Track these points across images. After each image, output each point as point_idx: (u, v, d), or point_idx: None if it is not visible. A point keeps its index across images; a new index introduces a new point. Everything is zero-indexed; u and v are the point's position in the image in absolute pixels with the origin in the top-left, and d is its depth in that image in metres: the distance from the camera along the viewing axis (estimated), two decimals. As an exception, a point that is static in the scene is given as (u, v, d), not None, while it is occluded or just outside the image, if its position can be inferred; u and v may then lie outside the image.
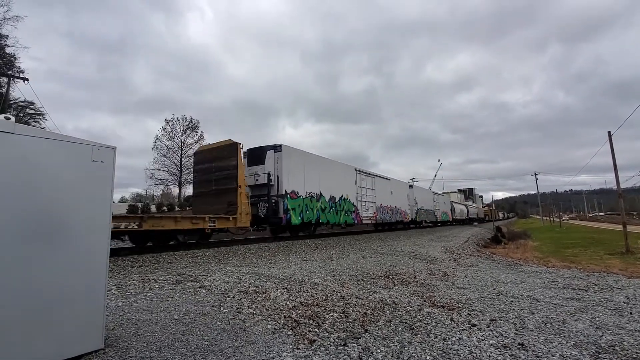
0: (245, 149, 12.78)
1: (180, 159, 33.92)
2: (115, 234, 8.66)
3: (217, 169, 11.61)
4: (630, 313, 5.04)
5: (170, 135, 34.05)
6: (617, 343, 3.78)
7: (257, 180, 12.77)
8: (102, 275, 2.93)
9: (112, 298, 4.32)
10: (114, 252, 7.97)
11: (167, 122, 34.27)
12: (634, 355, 3.45)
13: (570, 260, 12.74)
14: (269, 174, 12.67)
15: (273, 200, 12.52)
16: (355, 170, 18.39)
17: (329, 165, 16.01)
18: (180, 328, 3.49)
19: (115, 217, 7.78)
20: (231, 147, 11.43)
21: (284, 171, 12.74)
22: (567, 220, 74.14)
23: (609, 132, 16.10)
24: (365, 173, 19.59)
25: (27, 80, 22.01)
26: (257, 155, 13.20)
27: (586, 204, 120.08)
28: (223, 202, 11.16)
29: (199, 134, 35.43)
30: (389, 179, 23.06)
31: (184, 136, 34.72)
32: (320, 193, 14.84)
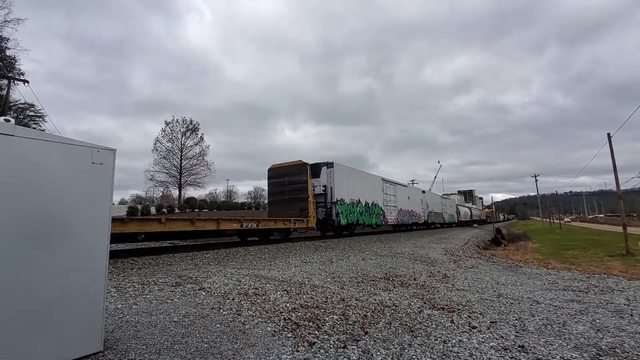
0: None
1: (180, 160, 33.91)
2: (239, 232, 11.94)
3: (290, 183, 15.19)
4: (631, 315, 5.03)
5: (170, 137, 34.10)
6: (617, 345, 3.77)
7: (314, 190, 15.58)
8: (101, 276, 2.93)
9: (112, 300, 4.31)
10: (113, 254, 7.96)
11: (167, 124, 34.32)
12: (635, 358, 3.44)
13: (570, 262, 12.72)
14: (324, 186, 15.91)
15: (328, 206, 15.68)
16: (382, 179, 21.97)
17: (364, 176, 19.56)
18: (180, 330, 3.48)
19: (244, 220, 11.29)
20: (302, 166, 15.20)
21: (335, 183, 15.98)
22: (570, 222, 73.68)
23: (609, 134, 16.12)
24: (389, 182, 23.06)
25: (28, 82, 22.06)
26: (315, 171, 16.02)
27: (586, 206, 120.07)
28: (295, 208, 14.54)
29: (199, 136, 35.46)
30: (406, 186, 27.07)
31: (183, 138, 34.74)
32: (359, 200, 18.07)
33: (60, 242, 2.70)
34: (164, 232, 8.73)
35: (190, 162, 34.32)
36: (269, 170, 16.56)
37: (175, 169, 33.54)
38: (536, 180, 61.24)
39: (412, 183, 52.92)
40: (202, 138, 35.45)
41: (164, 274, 6.10)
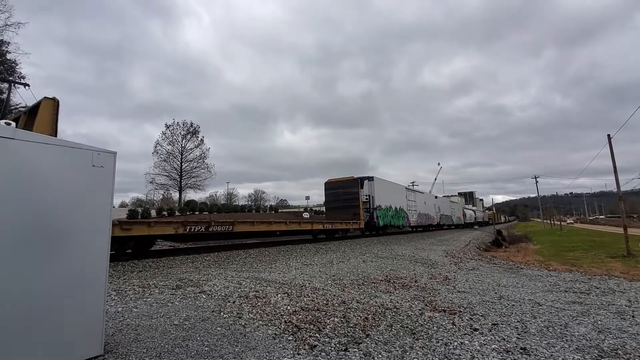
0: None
1: (181, 163, 33.90)
2: (321, 232, 16.73)
3: (344, 194, 19.66)
4: (633, 316, 5.01)
5: (171, 140, 34.04)
6: (619, 347, 3.75)
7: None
8: (101, 280, 2.92)
9: (112, 303, 4.30)
10: (114, 258, 7.96)
11: (167, 127, 34.28)
12: (637, 359, 3.43)
13: (571, 263, 12.69)
14: (367, 195, 20.35)
15: (371, 211, 20.16)
16: (405, 188, 26.74)
17: (393, 186, 24.14)
18: (180, 334, 3.47)
19: (325, 222, 16.02)
20: (354, 181, 19.92)
21: (375, 193, 20.52)
22: (572, 224, 71.58)
23: (609, 135, 16.12)
24: (410, 190, 28.13)
25: (28, 85, 22.11)
26: (360, 183, 20.29)
27: (586, 207, 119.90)
28: (349, 214, 18.83)
29: (199, 139, 35.42)
30: (423, 193, 32.17)
31: (184, 141, 34.70)
32: (390, 205, 22.59)
33: (60, 245, 2.70)
34: (254, 231, 11.70)
35: (191, 165, 34.28)
36: (326, 183, 21.14)
37: (175, 171, 33.54)
38: (536, 182, 61.16)
39: (412, 185, 53.34)
40: (202, 141, 35.41)
41: (165, 276, 6.09)
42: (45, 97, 5.16)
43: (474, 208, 64.97)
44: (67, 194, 2.80)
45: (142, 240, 8.60)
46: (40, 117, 5.00)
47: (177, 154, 33.96)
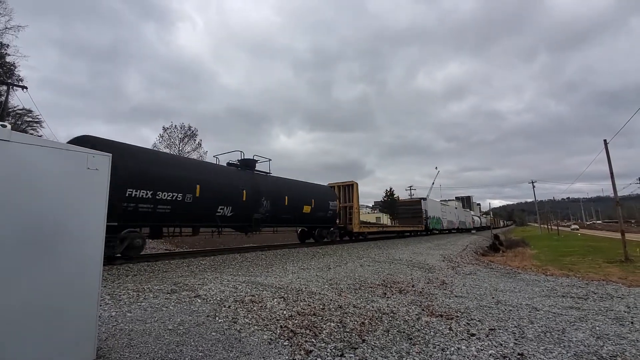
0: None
1: (178, 166, 33.84)
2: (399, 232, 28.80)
3: (411, 209, 32.29)
4: (632, 323, 4.99)
5: (168, 142, 33.95)
6: (618, 353, 3.73)
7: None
8: (95, 284, 2.88)
9: (106, 308, 4.25)
10: (109, 261, 7.89)
11: (164, 129, 34.20)
12: (635, 366, 3.41)
13: (568, 268, 12.69)
14: (424, 210, 31.85)
15: (426, 220, 31.63)
16: (440, 203, 40.67)
17: (434, 203, 36.94)
18: (175, 339, 3.43)
19: (405, 226, 30.14)
20: (418, 202, 33.10)
21: (428, 208, 32.49)
22: (578, 229, 66.04)
23: (605, 141, 16.20)
24: (442, 203, 41.72)
25: (26, 88, 22.01)
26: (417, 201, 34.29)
27: (583, 212, 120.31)
28: (415, 221, 30.65)
29: (196, 142, 35.37)
30: (448, 204, 47.14)
31: (181, 144, 34.63)
32: (434, 216, 33.85)
33: (54, 248, 2.66)
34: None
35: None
36: (398, 202, 36.28)
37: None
38: (533, 187, 61.20)
39: (410, 189, 53.97)
40: (200, 144, 35.34)
41: (160, 280, 6.03)
42: None
43: (473, 213, 72.72)
44: (62, 197, 2.76)
45: None
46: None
47: (174, 157, 33.91)
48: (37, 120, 28.38)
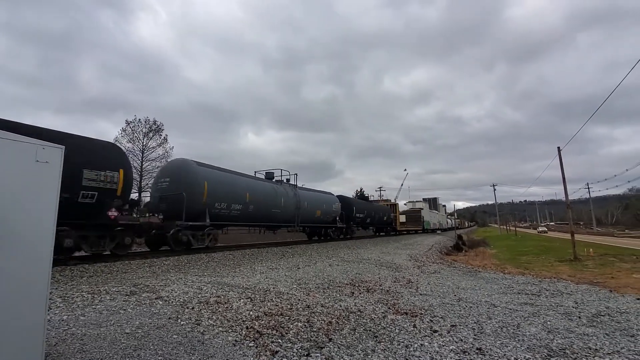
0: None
1: (142, 162, 32.34)
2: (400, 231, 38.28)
3: (414, 216, 42.86)
4: (579, 317, 5.36)
5: (131, 137, 32.39)
6: (567, 346, 3.98)
7: (422, 217, 45.88)
8: (43, 285, 2.67)
9: (56, 311, 3.96)
10: (62, 262, 7.39)
11: (127, 123, 32.56)
12: (584, 359, 3.65)
13: (524, 267, 13.47)
14: (422, 216, 44.92)
15: (423, 223, 44.31)
16: (429, 209, 51.80)
17: (428, 210, 50.32)
18: (132, 343, 3.25)
19: (410, 227, 41.38)
20: (419, 210, 46.09)
21: (424, 214, 45.64)
22: (546, 231, 60.09)
23: (559, 148, 17.34)
24: (433, 211, 56.21)
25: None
26: (418, 209, 47.07)
27: (539, 214, 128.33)
28: (418, 224, 42.72)
29: (162, 137, 34.01)
30: (434, 212, 57.19)
31: (145, 139, 33.15)
32: (427, 220, 46.76)
33: (-5, 247, 2.43)
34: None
35: (153, 165, 32.75)
36: (408, 210, 43.78)
37: (135, 171, 31.92)
38: (494, 190, 64.65)
39: (380, 190, 55.40)
40: (165, 139, 34.01)
41: (118, 282, 5.72)
42: None
43: (448, 216, 78.36)
44: (7, 191, 2.53)
45: None
46: None
47: (137, 152, 32.35)
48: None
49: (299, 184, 19.17)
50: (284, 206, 15.72)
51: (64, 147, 2.89)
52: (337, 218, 21.74)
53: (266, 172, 16.66)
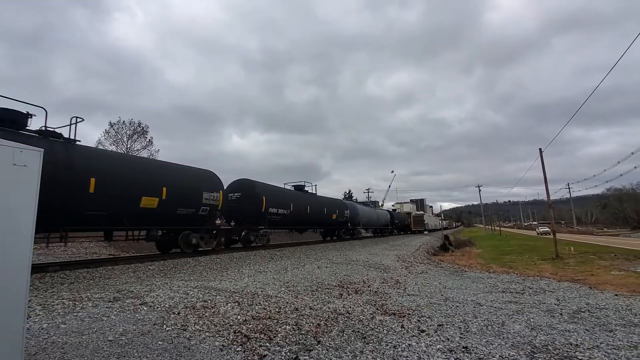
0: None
1: (127, 166, 31.70)
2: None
3: (419, 220, 54.42)
4: (561, 314, 5.50)
5: (115, 139, 31.77)
6: (549, 343, 4.08)
7: (423, 219, 57.53)
8: (21, 292, 2.58)
9: (36, 319, 3.84)
10: (42, 268, 7.16)
11: (111, 125, 31.93)
12: (565, 354, 3.74)
13: (509, 266, 13.75)
14: (425, 219, 56.83)
15: (424, 224, 55.31)
16: (429, 215, 73.77)
17: (429, 214, 73.75)
18: (115, 350, 3.17)
19: (416, 226, 53.19)
20: (422, 215, 58.41)
21: (425, 218, 57.74)
22: (548, 232, 50.77)
23: (540, 149, 17.81)
24: (430, 215, 75.08)
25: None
26: (421, 214, 62.18)
27: (522, 214, 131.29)
28: (420, 226, 53.11)
29: (147, 140, 33.47)
30: (431, 216, 74.52)
31: (130, 141, 32.56)
32: (427, 222, 57.94)
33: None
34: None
35: (138, 168, 32.15)
36: (414, 214, 55.79)
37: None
38: (479, 191, 66.10)
39: (368, 192, 55.66)
40: (151, 142, 33.50)
41: (101, 288, 5.58)
42: None
43: (439, 218, 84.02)
44: (-19, 196, 2.45)
45: None
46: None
47: (122, 155, 31.72)
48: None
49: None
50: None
51: (42, 150, 2.81)
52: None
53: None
